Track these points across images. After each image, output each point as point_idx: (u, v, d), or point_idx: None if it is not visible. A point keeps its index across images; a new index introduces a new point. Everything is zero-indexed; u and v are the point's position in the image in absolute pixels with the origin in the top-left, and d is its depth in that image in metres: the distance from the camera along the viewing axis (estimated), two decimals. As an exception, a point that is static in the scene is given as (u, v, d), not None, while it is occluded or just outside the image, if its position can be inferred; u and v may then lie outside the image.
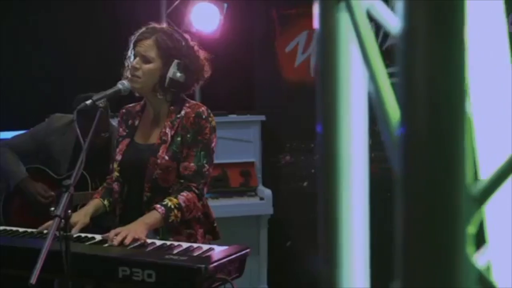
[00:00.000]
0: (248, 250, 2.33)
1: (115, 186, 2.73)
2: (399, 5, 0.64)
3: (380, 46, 4.56)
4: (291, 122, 4.94)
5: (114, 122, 3.39)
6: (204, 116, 2.66)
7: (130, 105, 2.89)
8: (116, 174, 2.72)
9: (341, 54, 0.88)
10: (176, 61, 2.64)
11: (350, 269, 0.90)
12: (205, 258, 2.19)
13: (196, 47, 2.77)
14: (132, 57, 2.71)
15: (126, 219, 2.70)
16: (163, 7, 5.24)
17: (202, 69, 2.74)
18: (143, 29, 2.73)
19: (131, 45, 2.73)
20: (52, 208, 2.15)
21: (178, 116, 2.67)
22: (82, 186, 3.63)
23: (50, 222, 2.58)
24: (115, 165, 2.73)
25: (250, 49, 5.07)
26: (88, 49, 5.05)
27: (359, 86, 0.89)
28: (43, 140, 3.79)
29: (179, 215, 2.53)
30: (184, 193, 2.58)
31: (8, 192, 3.80)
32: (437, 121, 0.61)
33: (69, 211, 2.16)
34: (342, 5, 0.86)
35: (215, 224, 2.79)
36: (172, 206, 2.52)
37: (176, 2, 5.21)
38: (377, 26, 4.35)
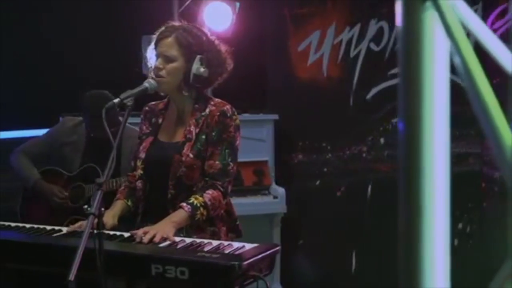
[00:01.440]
0: (278, 248, 2.35)
1: (139, 183, 2.74)
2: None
3: (393, 45, 4.58)
4: (304, 121, 4.95)
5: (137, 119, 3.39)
6: (228, 115, 2.67)
7: (153, 103, 2.89)
8: (140, 171, 2.73)
9: (425, 53, 0.89)
10: (198, 56, 2.65)
11: (432, 268, 0.92)
12: (238, 256, 2.21)
13: (216, 41, 2.78)
14: (155, 58, 2.71)
15: (149, 217, 2.72)
16: (175, 6, 5.24)
17: (224, 62, 2.75)
18: (162, 28, 2.72)
19: (153, 45, 2.73)
20: (86, 206, 2.16)
21: (203, 114, 2.68)
22: (95, 178, 3.68)
23: (82, 222, 2.61)
24: (139, 163, 2.73)
25: (262, 48, 5.08)
26: (101, 48, 5.05)
27: (443, 86, 0.90)
28: (56, 141, 3.90)
29: (205, 213, 2.55)
30: (209, 191, 2.59)
31: (25, 192, 3.85)
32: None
33: (102, 208, 2.17)
34: (429, 4, 0.88)
35: (237, 222, 2.81)
36: (198, 205, 2.54)
37: (188, 1, 5.22)
38: (390, 27, 4.28)
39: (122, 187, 2.81)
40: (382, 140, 4.53)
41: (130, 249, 2.33)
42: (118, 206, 2.71)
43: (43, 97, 4.76)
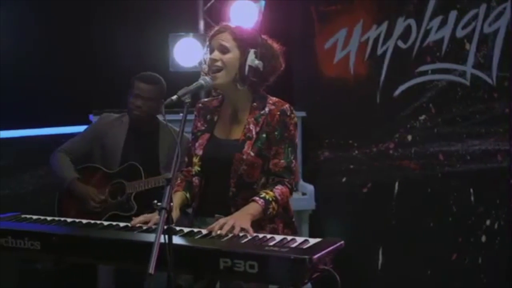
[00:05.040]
0: (342, 243, 2.37)
1: (196, 180, 2.76)
2: None
3: (421, 43, 4.61)
4: (330, 118, 4.98)
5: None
6: (288, 113, 2.73)
7: (206, 99, 2.93)
8: (197, 168, 2.75)
9: None
10: (252, 50, 2.69)
11: None
12: (307, 250, 2.23)
13: (269, 40, 2.82)
14: (209, 54, 2.73)
15: (203, 213, 2.75)
16: (200, 5, 5.27)
17: (278, 58, 2.80)
18: (215, 29, 2.78)
19: (206, 43, 2.77)
20: (155, 201, 2.18)
21: (262, 113, 2.72)
22: (136, 175, 3.71)
23: (145, 215, 2.63)
24: (196, 159, 2.75)
25: (288, 46, 5.06)
26: (126, 46, 5.07)
27: None
28: (95, 136, 3.92)
29: (276, 207, 2.61)
30: (279, 187, 2.65)
31: (62, 189, 3.85)
32: None
33: (171, 203, 2.19)
34: None
35: (293, 219, 2.84)
36: (270, 199, 2.59)
37: (213, 0, 5.24)
38: (417, 25, 4.29)
39: (179, 181, 2.82)
40: (409, 137, 4.54)
41: (198, 243, 2.33)
42: (178, 197, 2.73)
43: (71, 96, 4.78)
